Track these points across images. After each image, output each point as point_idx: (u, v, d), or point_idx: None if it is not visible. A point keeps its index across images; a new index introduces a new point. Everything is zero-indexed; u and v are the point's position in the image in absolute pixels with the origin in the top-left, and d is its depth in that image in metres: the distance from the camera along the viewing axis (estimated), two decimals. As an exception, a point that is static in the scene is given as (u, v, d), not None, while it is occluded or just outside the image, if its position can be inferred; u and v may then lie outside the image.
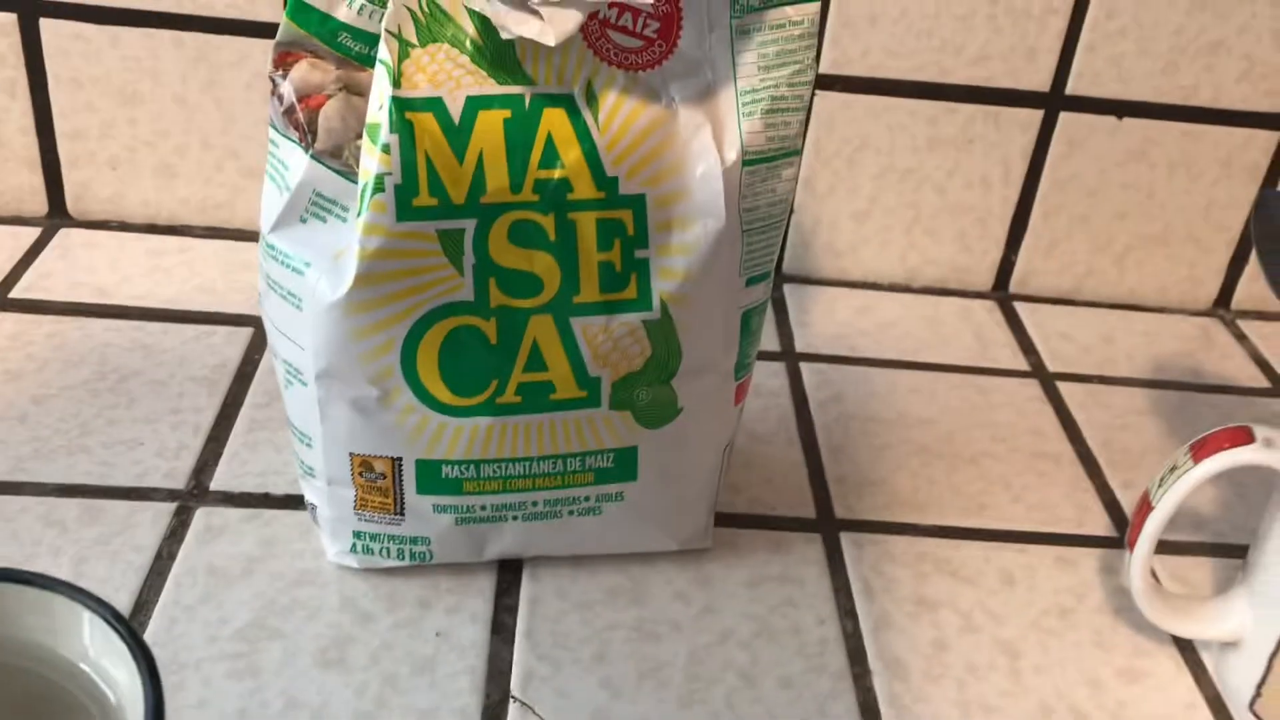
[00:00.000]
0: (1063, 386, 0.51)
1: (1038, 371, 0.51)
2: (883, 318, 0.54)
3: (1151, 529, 0.34)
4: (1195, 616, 0.36)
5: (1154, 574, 0.41)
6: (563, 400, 0.35)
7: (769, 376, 0.49)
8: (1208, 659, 0.38)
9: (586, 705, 0.34)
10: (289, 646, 0.35)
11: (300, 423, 0.36)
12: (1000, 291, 0.57)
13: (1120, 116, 0.53)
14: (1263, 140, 0.53)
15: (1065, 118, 0.53)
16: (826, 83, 0.52)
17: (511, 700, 0.34)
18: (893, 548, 0.41)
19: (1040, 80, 0.52)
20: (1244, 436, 0.33)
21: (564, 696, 0.34)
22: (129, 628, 0.22)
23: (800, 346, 0.51)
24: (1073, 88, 0.52)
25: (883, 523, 0.42)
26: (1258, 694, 0.35)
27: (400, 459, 0.36)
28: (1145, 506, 0.35)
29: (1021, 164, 0.54)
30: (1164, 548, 0.42)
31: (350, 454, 0.36)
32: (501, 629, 0.36)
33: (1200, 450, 0.33)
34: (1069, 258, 0.56)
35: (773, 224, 0.36)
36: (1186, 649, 0.38)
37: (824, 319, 0.54)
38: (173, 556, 0.38)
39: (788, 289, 0.55)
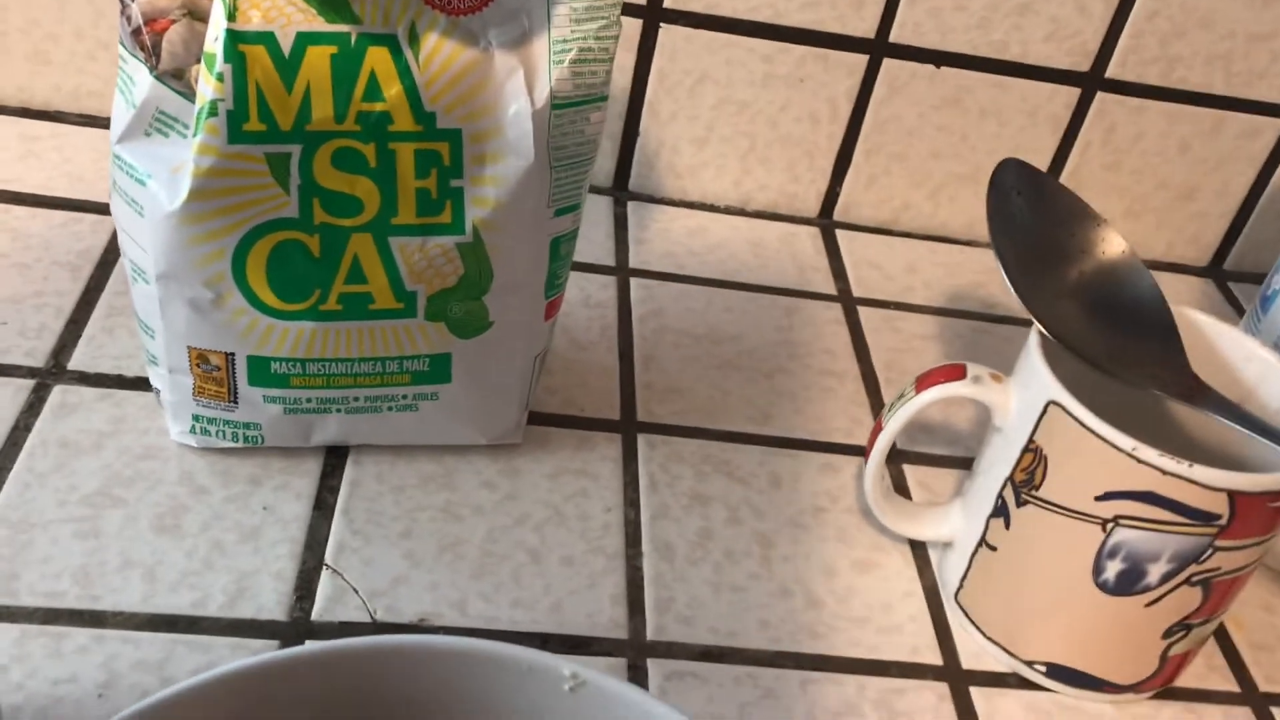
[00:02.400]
0: (863, 311, 0.56)
1: (843, 296, 0.57)
2: (713, 239, 0.59)
3: (881, 445, 0.40)
4: (918, 520, 0.43)
5: (903, 480, 0.47)
6: (381, 310, 0.40)
7: (600, 289, 0.54)
8: (934, 556, 0.44)
9: (388, 573, 0.40)
10: (130, 513, 0.40)
11: (144, 316, 0.40)
12: (825, 219, 0.62)
13: (938, 65, 0.57)
14: (1064, 95, 0.58)
15: (888, 64, 0.57)
16: (671, 17, 0.55)
17: (324, 567, 0.39)
18: (682, 449, 0.47)
19: (866, 28, 0.56)
20: (958, 373, 0.39)
21: (370, 565, 0.40)
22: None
23: (633, 263, 0.56)
24: (895, 36, 0.56)
25: (677, 426, 0.48)
26: (961, 586, 0.41)
27: (233, 354, 0.40)
28: (878, 426, 0.41)
29: (847, 104, 0.58)
30: (919, 459, 0.49)
31: (188, 347, 0.40)
32: (323, 506, 0.42)
33: (922, 382, 0.39)
34: (887, 192, 0.61)
35: (581, 162, 0.41)
36: (918, 549, 0.45)
37: (659, 237, 0.58)
38: (29, 429, 0.42)
39: (631, 206, 0.60)
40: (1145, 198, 0.62)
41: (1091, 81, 0.58)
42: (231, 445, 0.42)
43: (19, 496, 0.40)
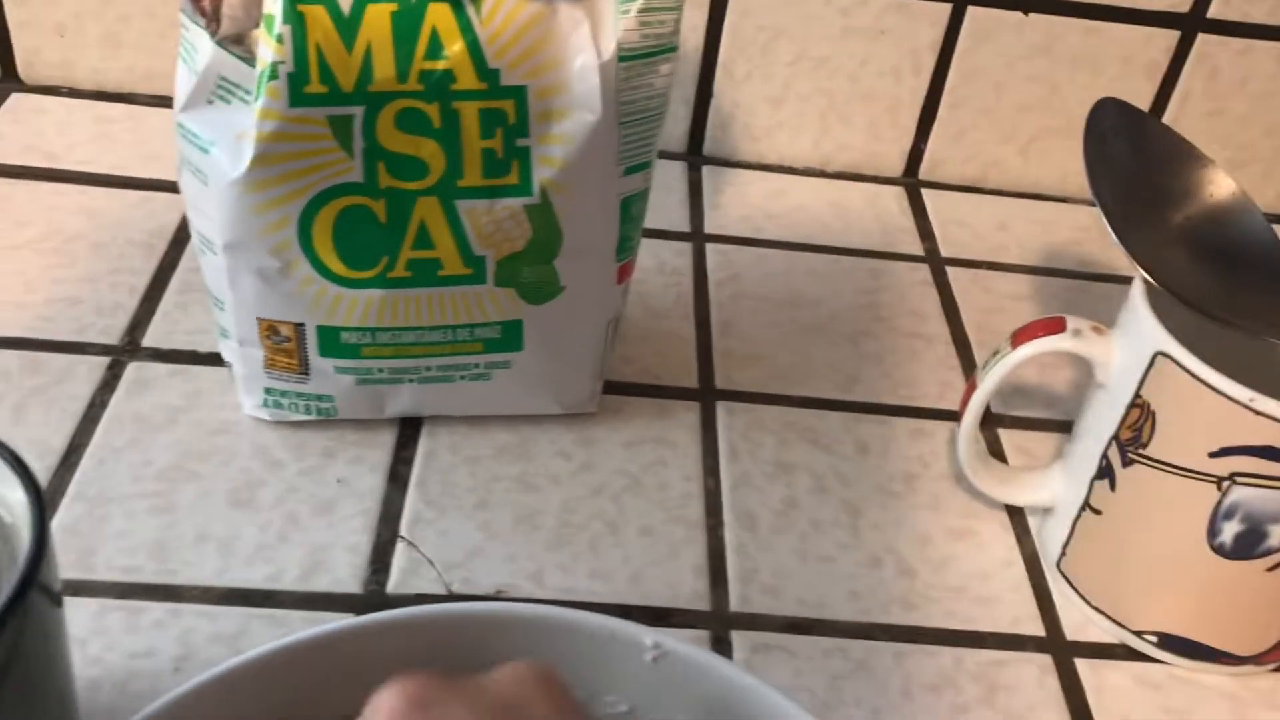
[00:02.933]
0: (951, 271, 0.54)
1: (931, 257, 0.55)
2: (793, 202, 0.57)
3: (975, 405, 0.38)
4: (1016, 484, 0.40)
5: (999, 446, 0.45)
6: (450, 276, 0.39)
7: (675, 255, 0.53)
8: (1033, 524, 0.42)
9: (464, 544, 0.39)
10: (204, 487, 0.40)
11: (214, 288, 0.40)
12: (910, 178, 0.60)
13: (1026, 11, 0.54)
14: (1161, 39, 0.55)
15: (973, 11, 0.54)
16: (743, -29, 0.54)
17: (399, 540, 0.39)
18: (763, 416, 0.45)
19: (949, -25, 0.54)
20: (1057, 326, 0.36)
21: (445, 536, 0.39)
22: (14, 455, 0.25)
23: (709, 228, 0.55)
24: (981, -18, 0.54)
25: (758, 394, 0.46)
26: (1063, 553, 0.39)
27: (303, 324, 0.39)
28: (971, 386, 0.38)
29: (930, 56, 0.56)
30: (1016, 423, 0.46)
31: (258, 318, 0.39)
32: (397, 478, 0.41)
33: (1019, 337, 0.37)
34: (975, 148, 0.59)
35: (651, 116, 0.39)
36: (1015, 515, 0.42)
37: (735, 201, 0.57)
38: (105, 405, 0.42)
39: (706, 171, 0.58)
40: (1251, 146, 0.58)
41: (1192, 22, 0.55)
42: (304, 418, 0.42)
43: (95, 472, 0.40)
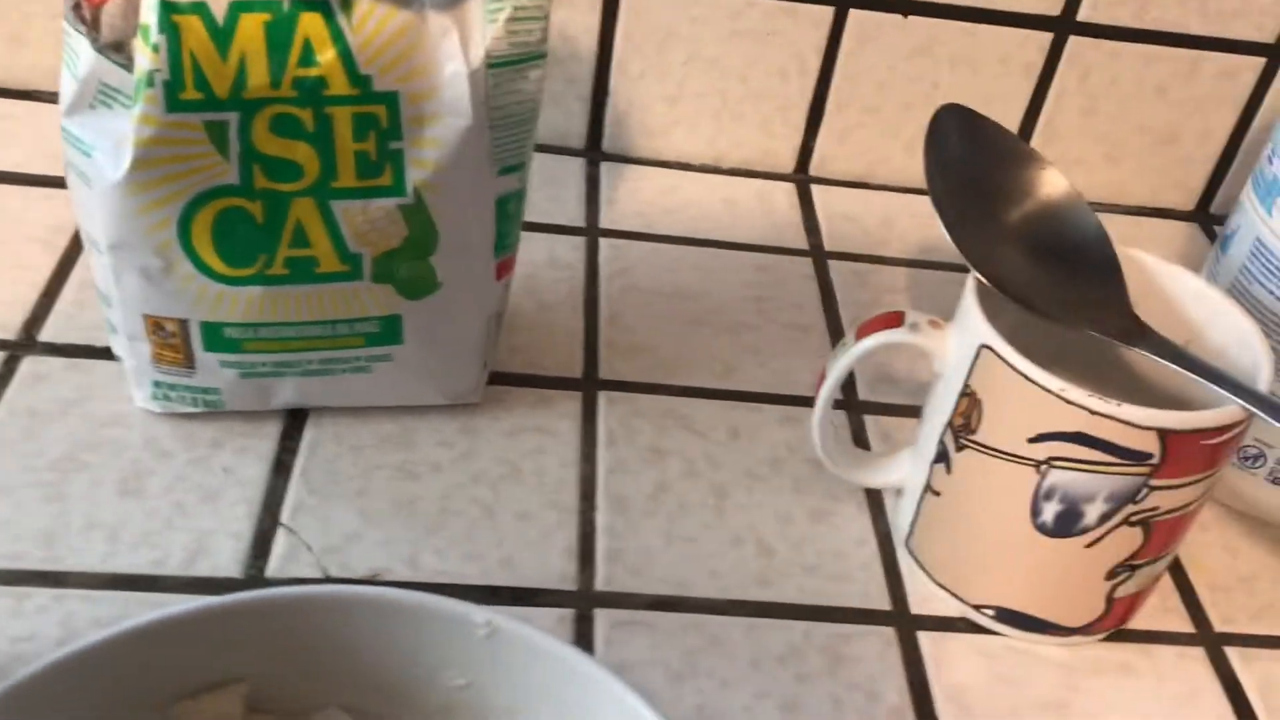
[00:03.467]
0: (834, 265, 0.56)
1: (815, 251, 0.57)
2: (686, 198, 0.59)
3: (825, 393, 0.40)
4: (867, 467, 0.43)
5: (863, 431, 0.47)
6: (327, 273, 0.40)
7: (569, 250, 0.55)
8: (888, 505, 0.45)
9: (343, 530, 0.41)
10: (94, 477, 0.41)
11: (102, 286, 0.41)
12: (801, 174, 0.62)
13: (906, 14, 0.57)
14: (1035, 41, 0.58)
15: (855, 14, 0.57)
16: (634, -25, 0.55)
17: (280, 526, 0.40)
18: (642, 404, 0.47)
19: (831, -21, 0.56)
20: (896, 320, 0.39)
21: (325, 523, 0.41)
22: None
23: (604, 223, 0.57)
24: (861, -13, 0.56)
25: (639, 383, 0.48)
26: (911, 532, 0.42)
27: (187, 320, 0.41)
28: (822, 376, 0.41)
29: (816, 58, 0.58)
30: (881, 410, 0.49)
31: (144, 315, 0.41)
32: (282, 467, 0.42)
33: (861, 331, 0.39)
34: (862, 145, 0.61)
35: (522, 120, 0.41)
36: (874, 498, 0.45)
37: (631, 197, 0.58)
38: (-1, 399, 0.43)
39: (604, 167, 0.60)
40: (1125, 143, 0.61)
41: (1063, 25, 0.57)
42: (193, 410, 0.43)
43: (-12, 464, 0.41)
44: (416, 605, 0.29)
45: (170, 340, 0.41)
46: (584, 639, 0.38)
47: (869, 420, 0.48)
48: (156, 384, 0.43)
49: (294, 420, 0.44)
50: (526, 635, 0.28)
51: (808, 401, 0.48)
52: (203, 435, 0.43)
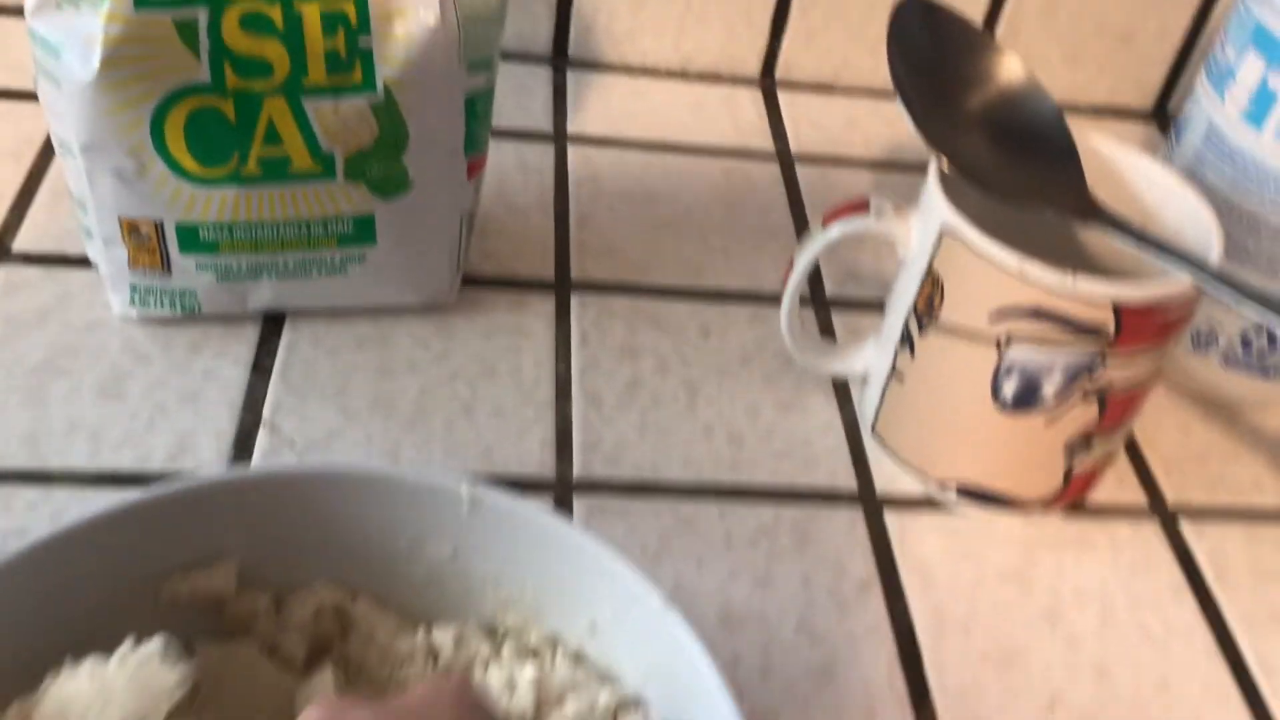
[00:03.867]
0: (800, 168, 0.57)
1: (782, 156, 0.58)
2: (653, 103, 0.59)
3: (792, 284, 0.41)
4: (833, 356, 0.44)
5: (830, 326, 0.48)
6: (300, 172, 0.41)
7: (538, 156, 0.55)
8: (855, 394, 0.46)
9: (324, 426, 0.41)
10: (74, 382, 0.42)
11: (76, 190, 0.42)
12: (767, 79, 0.62)
13: (869, -84, 0.57)
14: (997, -58, 0.58)
15: (818, -84, 0.57)
16: (596, -122, 0.55)
17: (261, 424, 0.41)
18: (614, 305, 0.48)
19: (794, -120, 0.56)
20: (862, 205, 0.40)
21: (306, 420, 0.42)
22: None
23: (571, 129, 0.57)
24: (824, -112, 0.56)
25: (611, 284, 0.49)
26: (876, 417, 0.43)
27: (162, 222, 0.41)
28: (789, 266, 0.42)
29: (779, -40, 0.58)
30: (847, 304, 0.50)
31: (119, 218, 0.41)
32: (260, 368, 0.43)
33: (828, 217, 0.40)
34: (826, 48, 0.61)
35: (490, 16, 0.41)
36: (841, 389, 0.46)
37: (598, 104, 0.59)
38: (-25, 308, 0.44)
39: (570, 74, 0.60)
40: (1083, 43, 0.62)
41: (1024, -75, 0.58)
42: (170, 314, 0.44)
43: (-32, 370, 0.41)
44: (400, 478, 0.30)
45: (146, 243, 0.42)
46: (563, 524, 0.40)
47: (836, 316, 0.49)
48: (133, 288, 0.43)
49: (271, 325, 0.45)
50: (509, 504, 0.29)
51: (776, 300, 0.49)
52: (181, 339, 0.44)
